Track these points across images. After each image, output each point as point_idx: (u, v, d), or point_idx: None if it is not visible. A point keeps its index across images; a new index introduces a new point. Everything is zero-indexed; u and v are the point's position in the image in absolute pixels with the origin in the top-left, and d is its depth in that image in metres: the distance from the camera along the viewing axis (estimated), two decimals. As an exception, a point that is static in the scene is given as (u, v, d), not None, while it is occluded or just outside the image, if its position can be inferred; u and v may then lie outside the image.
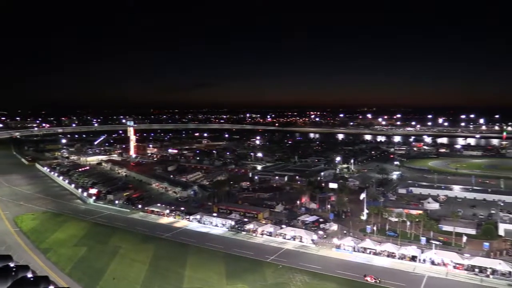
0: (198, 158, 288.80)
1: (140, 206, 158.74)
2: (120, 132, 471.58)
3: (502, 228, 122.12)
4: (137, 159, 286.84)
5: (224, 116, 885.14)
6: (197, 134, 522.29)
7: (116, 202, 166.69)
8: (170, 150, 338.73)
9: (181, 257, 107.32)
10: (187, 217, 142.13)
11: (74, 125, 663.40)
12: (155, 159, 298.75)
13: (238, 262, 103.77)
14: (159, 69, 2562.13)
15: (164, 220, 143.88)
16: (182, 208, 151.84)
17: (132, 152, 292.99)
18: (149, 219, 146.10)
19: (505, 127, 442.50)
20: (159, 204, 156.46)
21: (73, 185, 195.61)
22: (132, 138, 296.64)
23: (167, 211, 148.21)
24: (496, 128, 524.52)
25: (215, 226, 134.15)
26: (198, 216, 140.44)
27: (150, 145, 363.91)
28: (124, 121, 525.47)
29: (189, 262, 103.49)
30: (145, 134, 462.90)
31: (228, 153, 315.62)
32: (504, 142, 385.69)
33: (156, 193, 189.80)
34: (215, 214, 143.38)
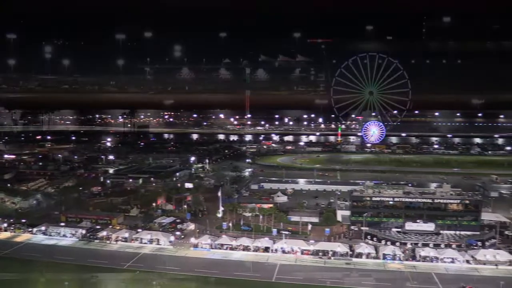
0: (40, 164, 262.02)
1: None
2: None
3: (339, 215, 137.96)
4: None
5: (71, 117, 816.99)
6: (39, 137, 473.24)
7: None
8: (5, 156, 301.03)
9: (24, 275, 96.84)
10: (30, 229, 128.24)
11: None
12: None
13: (91, 272, 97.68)
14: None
15: (1, 235, 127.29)
16: (23, 220, 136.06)
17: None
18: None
19: (339, 125, 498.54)
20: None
21: None
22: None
23: (5, 225, 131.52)
24: (333, 126, 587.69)
25: (64, 236, 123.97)
26: (43, 228, 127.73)
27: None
28: None
29: (34, 280, 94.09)
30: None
31: (76, 157, 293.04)
32: (339, 139, 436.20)
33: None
34: (63, 224, 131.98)
